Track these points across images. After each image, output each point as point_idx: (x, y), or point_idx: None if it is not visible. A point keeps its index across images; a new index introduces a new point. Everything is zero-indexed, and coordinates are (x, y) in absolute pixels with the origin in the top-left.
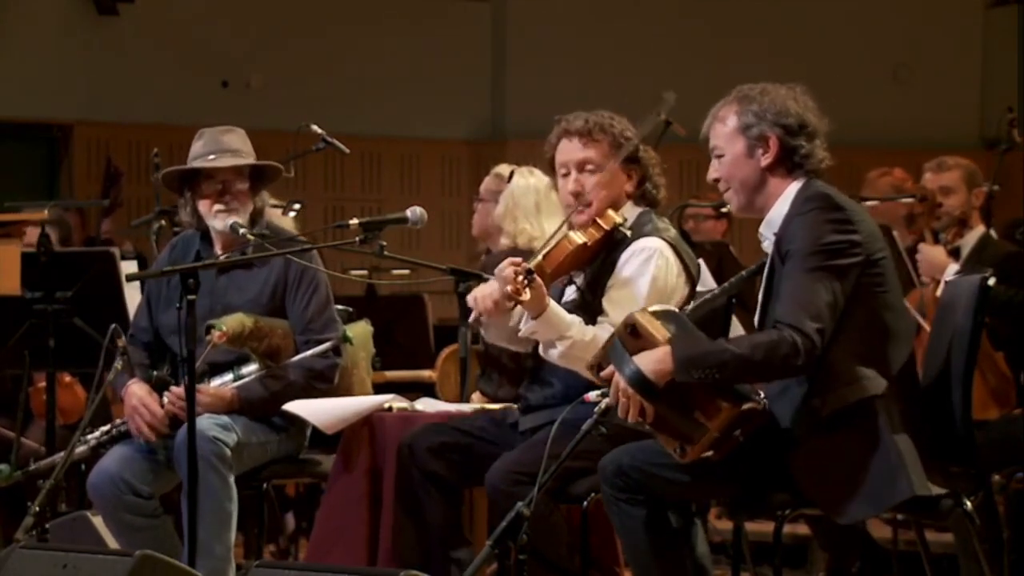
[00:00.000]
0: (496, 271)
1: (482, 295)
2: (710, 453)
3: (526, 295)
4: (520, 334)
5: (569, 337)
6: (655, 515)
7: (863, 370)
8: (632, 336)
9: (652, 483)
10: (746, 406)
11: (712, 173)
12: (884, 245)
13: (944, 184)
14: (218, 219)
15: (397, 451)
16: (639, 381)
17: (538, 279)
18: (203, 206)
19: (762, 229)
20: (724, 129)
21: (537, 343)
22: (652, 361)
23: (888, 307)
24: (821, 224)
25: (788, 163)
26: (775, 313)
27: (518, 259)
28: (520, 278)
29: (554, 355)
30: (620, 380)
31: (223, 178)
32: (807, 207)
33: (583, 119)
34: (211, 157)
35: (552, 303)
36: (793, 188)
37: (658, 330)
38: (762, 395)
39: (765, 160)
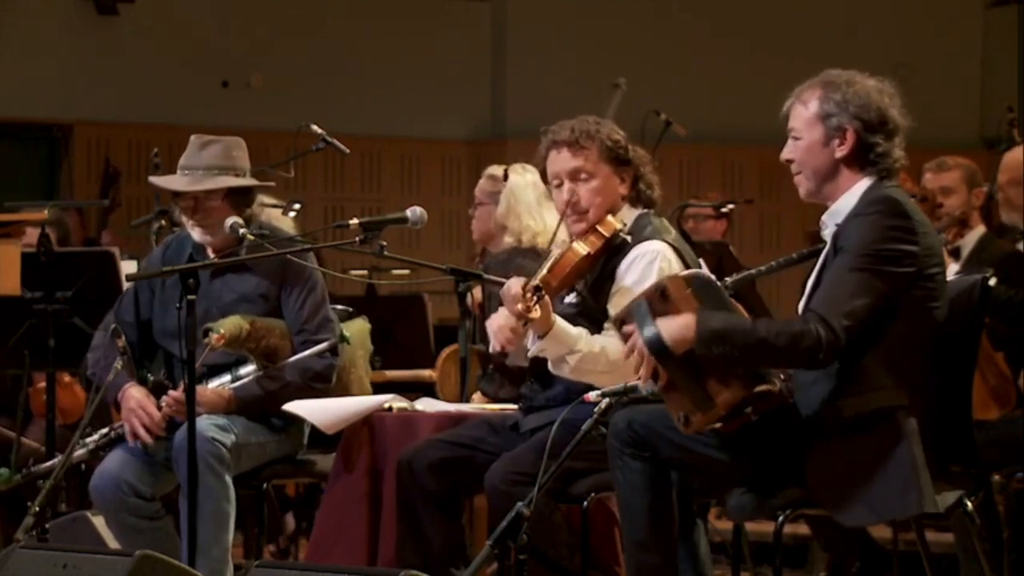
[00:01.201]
0: (503, 292)
1: (498, 327)
2: (719, 425)
3: (536, 312)
4: (529, 354)
5: (578, 351)
6: (656, 473)
7: (892, 380)
8: (661, 299)
9: (659, 442)
10: (759, 388)
11: (786, 153)
12: (942, 260)
13: (944, 184)
14: (195, 232)
15: (396, 468)
16: (657, 344)
17: (546, 296)
18: (183, 218)
19: (825, 218)
20: (805, 112)
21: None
22: (675, 328)
23: (933, 324)
24: (880, 229)
25: (862, 159)
26: (811, 303)
27: (523, 279)
28: (529, 295)
29: (565, 370)
30: (638, 339)
31: (194, 195)
32: (871, 208)
33: (568, 128)
34: (180, 175)
35: (558, 319)
36: (863, 184)
37: (688, 299)
38: (783, 377)
39: (840, 152)
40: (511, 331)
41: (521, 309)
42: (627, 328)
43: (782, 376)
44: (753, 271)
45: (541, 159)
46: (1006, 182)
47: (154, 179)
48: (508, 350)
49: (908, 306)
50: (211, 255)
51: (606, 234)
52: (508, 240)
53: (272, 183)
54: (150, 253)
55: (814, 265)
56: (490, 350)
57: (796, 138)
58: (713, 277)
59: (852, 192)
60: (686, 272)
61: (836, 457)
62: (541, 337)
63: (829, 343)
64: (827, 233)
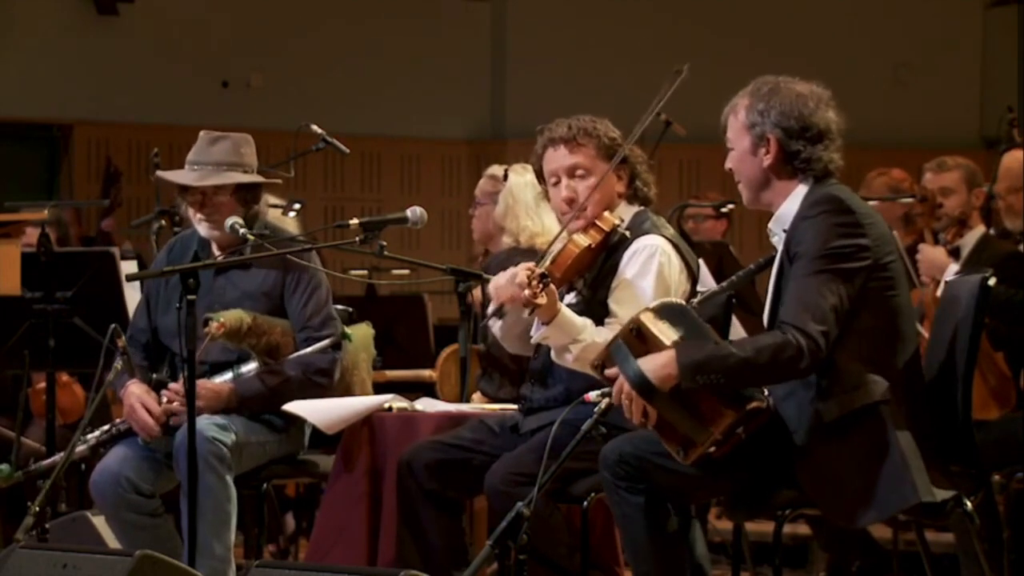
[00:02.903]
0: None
1: (501, 284)
2: (712, 450)
3: (542, 299)
4: (532, 340)
5: (582, 340)
6: (654, 504)
7: (869, 375)
8: (637, 339)
9: (653, 472)
10: (750, 406)
11: (727, 163)
12: (894, 248)
13: (944, 184)
14: (201, 227)
15: (396, 469)
16: (642, 384)
17: (551, 284)
18: (190, 212)
19: (771, 225)
20: (735, 122)
21: (539, 345)
22: (657, 366)
23: (897, 311)
24: (829, 228)
25: (789, 166)
26: (780, 315)
27: (531, 264)
28: (535, 283)
29: (568, 359)
30: (623, 382)
31: (202, 189)
32: (815, 210)
33: (566, 126)
34: (189, 170)
35: (563, 308)
36: (801, 189)
37: (663, 333)
38: (766, 392)
39: (767, 160)
40: (514, 292)
41: (528, 295)
42: (610, 372)
43: (766, 391)
44: (716, 288)
45: (537, 158)
46: (1005, 189)
47: (162, 173)
48: (508, 308)
49: (868, 299)
50: (216, 251)
51: (605, 228)
52: (506, 240)
53: (279, 180)
54: (154, 255)
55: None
56: (489, 310)
57: (731, 148)
58: (683, 303)
59: (793, 197)
60: (655, 304)
61: (826, 462)
62: (545, 324)
63: (811, 351)
64: (776, 240)
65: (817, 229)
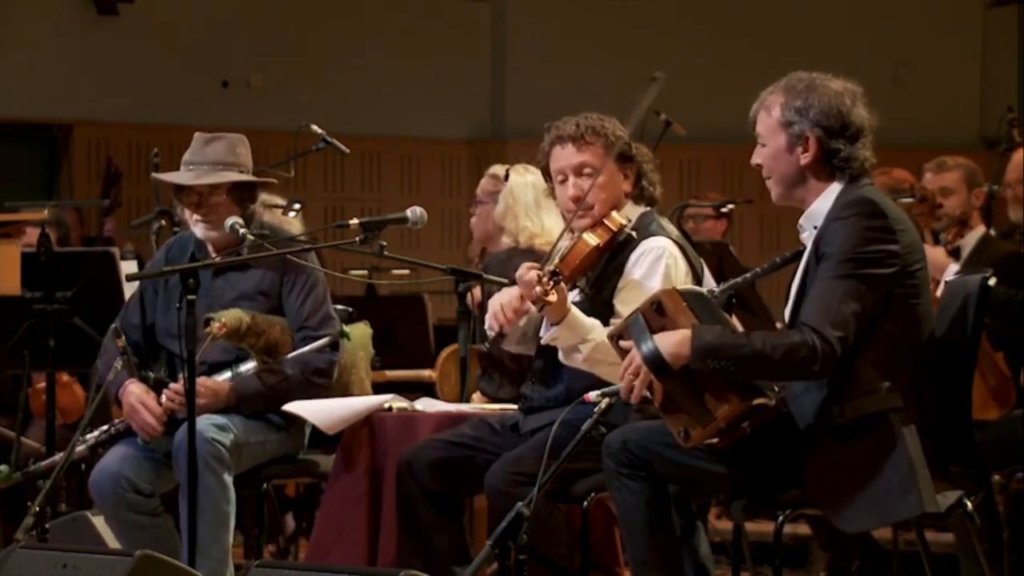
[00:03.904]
0: (517, 276)
1: (500, 307)
2: (715, 440)
3: (553, 297)
4: (542, 341)
5: (591, 340)
6: (655, 492)
7: (883, 382)
8: (657, 313)
9: (655, 461)
10: (756, 401)
11: (755, 158)
12: (923, 255)
13: (944, 185)
14: (197, 228)
15: (396, 468)
16: (655, 360)
17: (562, 282)
18: (186, 214)
19: (802, 221)
20: (768, 120)
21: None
22: (671, 343)
23: (919, 319)
24: (860, 231)
25: (827, 164)
26: (801, 314)
27: (538, 264)
28: (546, 280)
29: (578, 359)
30: (636, 355)
31: (199, 190)
32: (848, 212)
33: (574, 124)
34: (184, 170)
35: (573, 307)
36: (836, 187)
37: (683, 313)
38: (776, 389)
39: (804, 159)
40: (514, 312)
41: (539, 293)
42: (624, 344)
43: (776, 388)
44: (738, 280)
45: (544, 155)
46: (1015, 180)
47: (158, 175)
48: (506, 331)
49: (892, 305)
50: (212, 252)
51: (613, 228)
52: (506, 240)
53: (274, 180)
54: (154, 255)
55: (797, 269)
56: (486, 326)
57: (763, 144)
58: (705, 291)
59: (826, 195)
60: (681, 287)
61: (833, 464)
62: (555, 324)
63: (825, 354)
64: (806, 236)
65: (848, 231)
